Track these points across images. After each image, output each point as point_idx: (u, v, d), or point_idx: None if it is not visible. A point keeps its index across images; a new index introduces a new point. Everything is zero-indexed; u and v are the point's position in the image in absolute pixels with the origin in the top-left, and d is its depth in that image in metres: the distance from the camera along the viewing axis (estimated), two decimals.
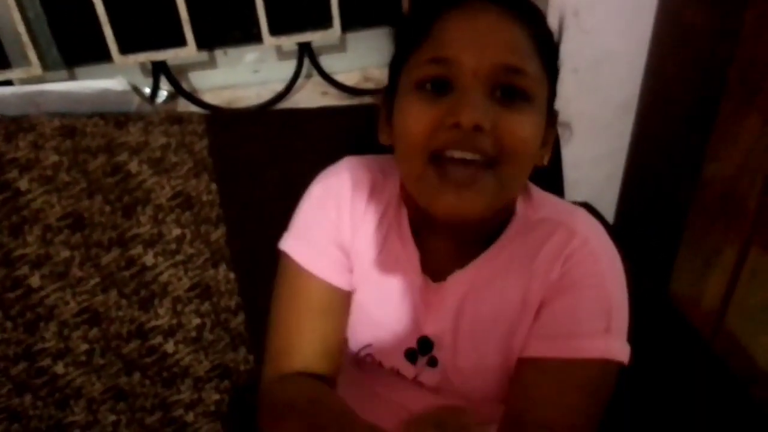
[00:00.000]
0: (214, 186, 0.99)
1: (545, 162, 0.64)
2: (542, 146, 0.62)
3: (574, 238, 0.63)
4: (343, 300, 0.70)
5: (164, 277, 0.97)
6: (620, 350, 0.62)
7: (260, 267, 0.82)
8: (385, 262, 0.69)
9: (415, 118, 0.57)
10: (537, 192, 0.70)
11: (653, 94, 1.19)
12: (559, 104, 0.66)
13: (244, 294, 1.00)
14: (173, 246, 0.98)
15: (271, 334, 0.70)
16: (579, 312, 0.62)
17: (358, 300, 0.72)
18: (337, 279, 0.69)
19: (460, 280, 0.67)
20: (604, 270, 0.63)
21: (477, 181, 0.56)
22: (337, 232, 0.70)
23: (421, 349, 0.70)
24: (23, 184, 0.91)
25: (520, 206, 0.68)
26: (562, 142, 0.77)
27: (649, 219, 1.27)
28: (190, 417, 1.02)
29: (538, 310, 0.64)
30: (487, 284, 0.66)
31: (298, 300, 0.69)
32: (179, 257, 0.98)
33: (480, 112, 0.54)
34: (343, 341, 0.73)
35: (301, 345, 0.68)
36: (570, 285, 0.62)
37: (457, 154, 0.56)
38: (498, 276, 0.66)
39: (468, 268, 0.67)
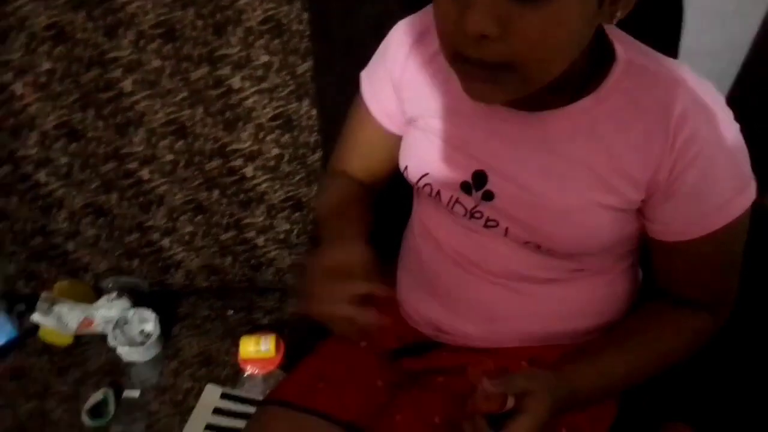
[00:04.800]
0: (306, 15, 0.95)
1: (615, 19, 0.55)
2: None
3: (686, 93, 0.59)
4: (389, 140, 0.78)
5: (249, 103, 0.97)
6: (753, 193, 0.63)
7: (343, 106, 0.81)
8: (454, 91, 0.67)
9: (439, 17, 0.55)
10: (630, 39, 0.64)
11: None
12: None
13: (324, 131, 1.00)
14: (260, 72, 0.96)
15: (339, 138, 0.83)
16: (717, 183, 0.61)
17: (418, 129, 0.72)
18: (388, 123, 0.76)
19: (552, 118, 0.64)
20: (721, 123, 0.60)
21: (496, 81, 0.54)
22: (400, 73, 0.72)
23: (477, 182, 0.69)
24: None
25: (619, 49, 0.62)
26: None
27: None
28: (260, 240, 1.08)
29: (667, 184, 0.62)
30: (585, 128, 0.63)
31: (356, 126, 0.80)
32: (265, 85, 0.97)
33: (485, 19, 0.49)
34: (391, 168, 0.80)
35: (351, 161, 0.82)
36: (697, 154, 0.59)
37: (474, 55, 0.53)
38: (599, 122, 0.62)
39: (566, 109, 0.63)
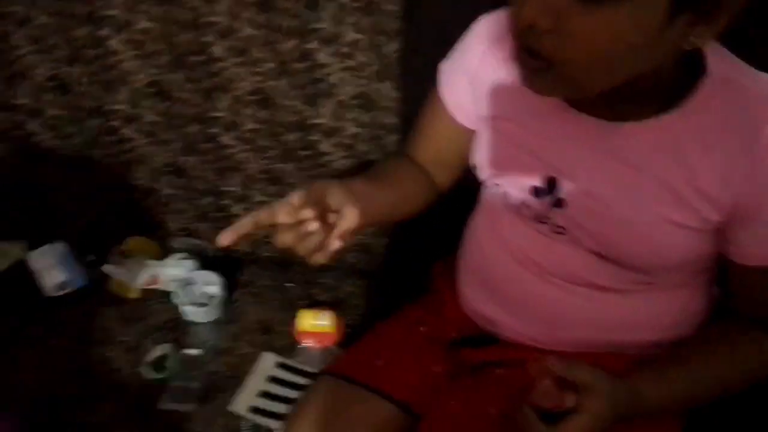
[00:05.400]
0: None
1: (694, 45, 0.53)
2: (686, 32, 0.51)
3: None
4: (460, 133, 0.78)
5: (333, 79, 0.98)
6: None
7: (425, 91, 0.80)
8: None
9: (509, 10, 0.55)
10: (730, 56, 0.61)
11: None
12: None
13: (403, 114, 0.99)
14: (347, 49, 0.97)
15: (414, 124, 0.84)
16: None
17: (492, 128, 0.71)
18: (460, 116, 0.77)
19: (632, 131, 0.61)
20: None
21: (541, 75, 0.55)
22: (476, 69, 0.71)
23: (548, 188, 0.68)
24: None
25: (712, 64, 0.59)
26: None
27: None
28: None
29: (749, 208, 0.59)
30: (666, 144, 0.60)
31: (430, 114, 0.80)
32: (350, 62, 0.97)
33: (536, 10, 0.50)
34: (460, 162, 0.80)
35: (421, 149, 0.83)
36: None
37: (523, 43, 0.54)
38: (682, 139, 0.60)
39: (648, 122, 0.60)
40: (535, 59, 0.53)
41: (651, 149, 0.61)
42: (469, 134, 0.76)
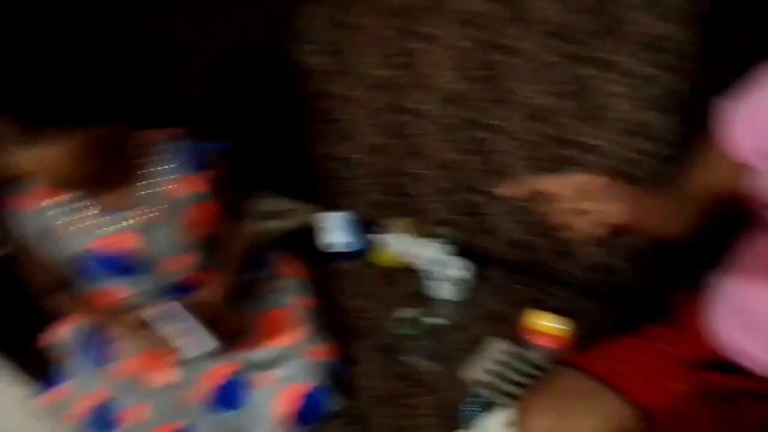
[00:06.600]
0: (693, 37, 0.99)
1: None
2: None
3: None
4: (737, 169, 0.78)
5: (614, 104, 1.06)
6: None
7: (704, 124, 0.83)
8: None
9: None
10: None
11: None
12: None
13: (679, 146, 1.04)
14: (639, 82, 1.04)
15: (690, 156, 0.86)
16: None
17: None
18: (741, 154, 0.77)
19: None
20: None
21: None
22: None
23: None
24: None
25: None
26: None
27: None
28: None
29: None
30: None
31: (707, 150, 0.82)
32: (640, 94, 1.04)
33: None
34: (732, 197, 0.81)
35: (695, 182, 0.84)
36: None
37: None
38: None
39: None
40: None
41: None
42: (744, 170, 0.78)
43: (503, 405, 1.01)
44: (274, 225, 1.39)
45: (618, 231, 0.73)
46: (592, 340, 0.99)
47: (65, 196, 0.96)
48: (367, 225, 1.38)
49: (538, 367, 1.08)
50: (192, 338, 0.97)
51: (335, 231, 1.37)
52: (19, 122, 0.78)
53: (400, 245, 1.30)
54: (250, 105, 1.38)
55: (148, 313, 0.99)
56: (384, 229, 1.33)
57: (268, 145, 1.40)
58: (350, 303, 1.25)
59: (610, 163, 1.09)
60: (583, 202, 0.68)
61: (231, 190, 1.08)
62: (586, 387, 0.84)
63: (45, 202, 0.96)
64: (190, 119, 1.06)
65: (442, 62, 1.18)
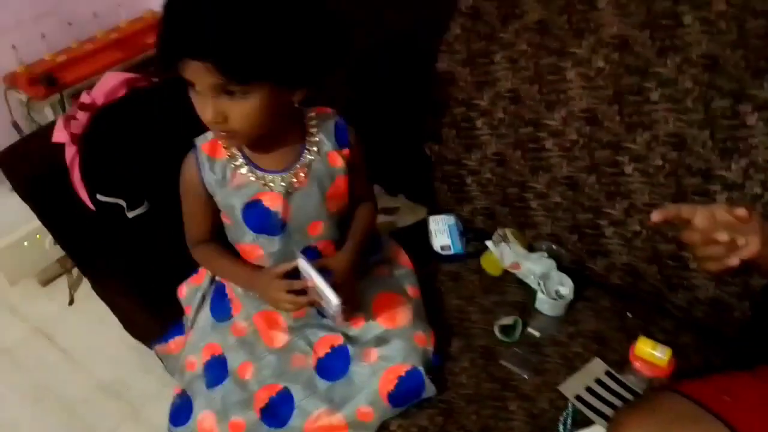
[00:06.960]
0: None
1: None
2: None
3: None
4: None
5: (754, 142, 1.06)
6: None
7: None
8: None
9: None
10: None
11: None
12: None
13: None
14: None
15: None
16: None
17: None
18: None
19: None
20: None
21: None
22: None
23: None
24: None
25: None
26: None
27: None
28: (693, 263, 1.16)
29: None
30: None
31: None
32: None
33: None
34: None
35: None
36: None
37: None
38: None
39: None
40: None
41: None
42: None
43: (598, 424, 1.02)
44: (387, 219, 1.46)
45: (747, 264, 0.74)
46: (694, 374, 0.98)
47: (231, 151, 1.05)
48: (478, 231, 1.42)
49: (635, 394, 1.08)
50: (320, 295, 1.02)
51: (446, 234, 1.42)
52: (225, 74, 0.85)
53: (509, 255, 1.33)
54: (386, 102, 1.46)
55: (285, 266, 1.06)
56: (495, 237, 1.36)
57: (395, 143, 1.48)
58: (453, 303, 1.29)
59: (736, 196, 1.08)
60: (724, 233, 0.70)
61: (365, 171, 1.16)
62: (689, 410, 0.83)
63: (216, 155, 1.05)
64: (332, 101, 1.14)
65: (580, 82, 1.21)
